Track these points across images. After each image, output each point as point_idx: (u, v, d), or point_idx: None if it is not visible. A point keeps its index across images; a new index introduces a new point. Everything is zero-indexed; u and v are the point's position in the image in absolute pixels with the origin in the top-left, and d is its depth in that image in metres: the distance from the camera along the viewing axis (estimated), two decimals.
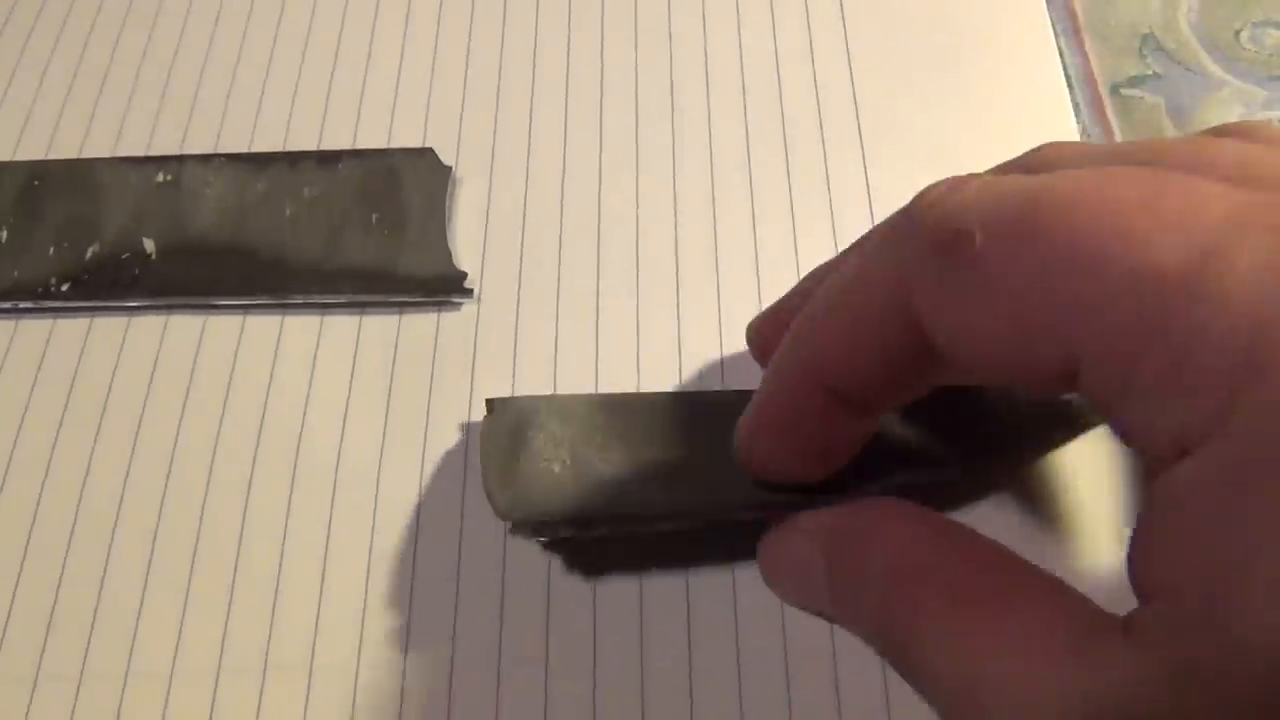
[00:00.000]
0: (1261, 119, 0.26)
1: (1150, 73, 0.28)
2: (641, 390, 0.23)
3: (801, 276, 0.24)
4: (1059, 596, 0.14)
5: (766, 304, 0.23)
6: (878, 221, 0.25)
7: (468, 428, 0.23)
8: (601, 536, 0.20)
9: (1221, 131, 0.15)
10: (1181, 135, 0.16)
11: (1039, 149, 0.17)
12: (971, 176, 0.15)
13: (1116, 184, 0.13)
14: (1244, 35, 0.28)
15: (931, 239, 0.14)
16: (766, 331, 0.21)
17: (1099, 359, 0.13)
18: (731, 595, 0.21)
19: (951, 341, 0.14)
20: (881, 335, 0.15)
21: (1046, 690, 0.12)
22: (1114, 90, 0.27)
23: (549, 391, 0.23)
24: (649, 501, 0.19)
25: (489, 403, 0.21)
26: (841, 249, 0.24)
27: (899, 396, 0.17)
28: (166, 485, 0.22)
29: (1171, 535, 0.12)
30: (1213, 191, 0.12)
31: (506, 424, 0.21)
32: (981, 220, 0.13)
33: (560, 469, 0.20)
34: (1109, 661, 0.12)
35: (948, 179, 0.15)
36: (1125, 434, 0.13)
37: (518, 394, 0.22)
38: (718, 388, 0.23)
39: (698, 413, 0.21)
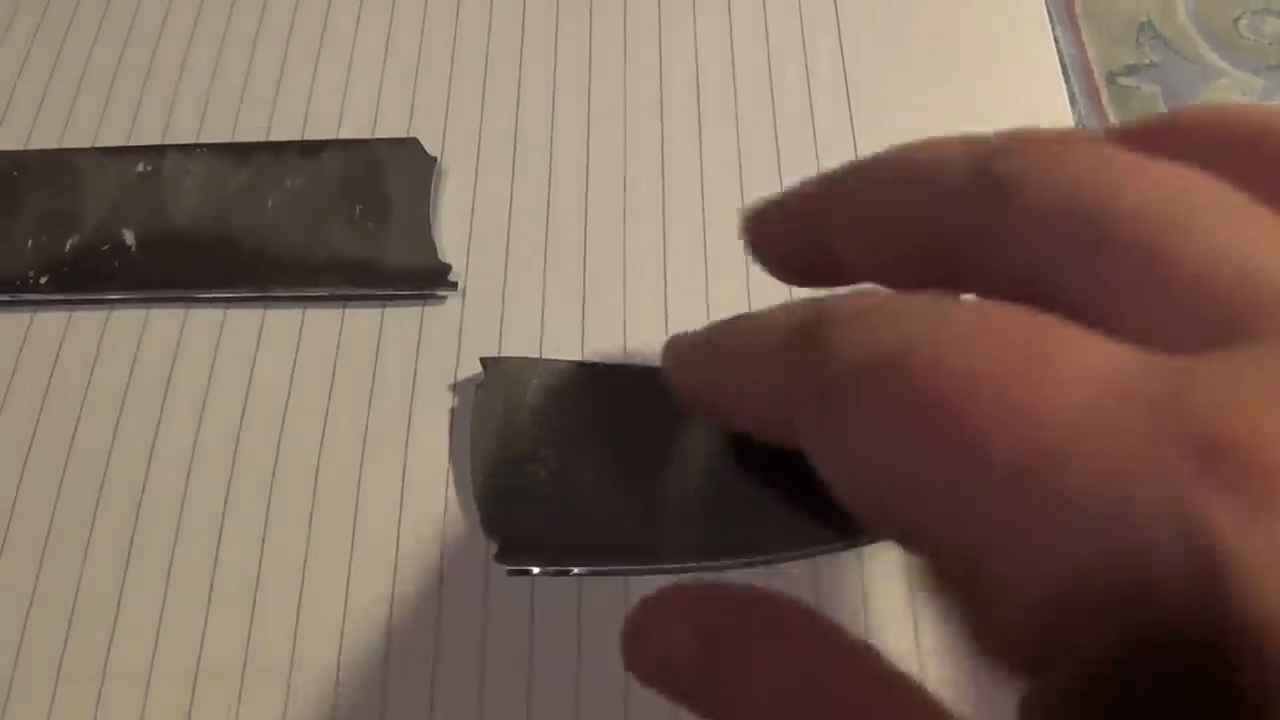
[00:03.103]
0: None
1: (1147, 61, 0.27)
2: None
3: None
4: None
5: (756, 294, 0.23)
6: None
7: (455, 388, 0.23)
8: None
9: (1171, 123, 0.13)
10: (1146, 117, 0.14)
11: (1015, 136, 0.14)
12: (875, 305, 0.13)
13: (987, 341, 0.11)
14: (1243, 24, 0.28)
15: (815, 381, 0.13)
16: (768, 226, 0.18)
17: (938, 552, 0.12)
18: None
19: (824, 475, 0.13)
20: (773, 431, 0.15)
21: None
22: (1110, 79, 0.27)
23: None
24: (629, 547, 0.20)
25: (483, 361, 0.22)
26: None
27: None
28: (145, 481, 0.22)
29: None
30: (1083, 366, 0.11)
31: (498, 400, 0.22)
32: (855, 375, 0.12)
33: (546, 475, 0.21)
34: None
35: (863, 297, 0.13)
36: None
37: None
38: None
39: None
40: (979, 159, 0.13)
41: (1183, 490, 0.09)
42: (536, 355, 0.23)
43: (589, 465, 0.21)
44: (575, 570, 0.20)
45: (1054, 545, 0.10)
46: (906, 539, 0.12)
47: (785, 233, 0.17)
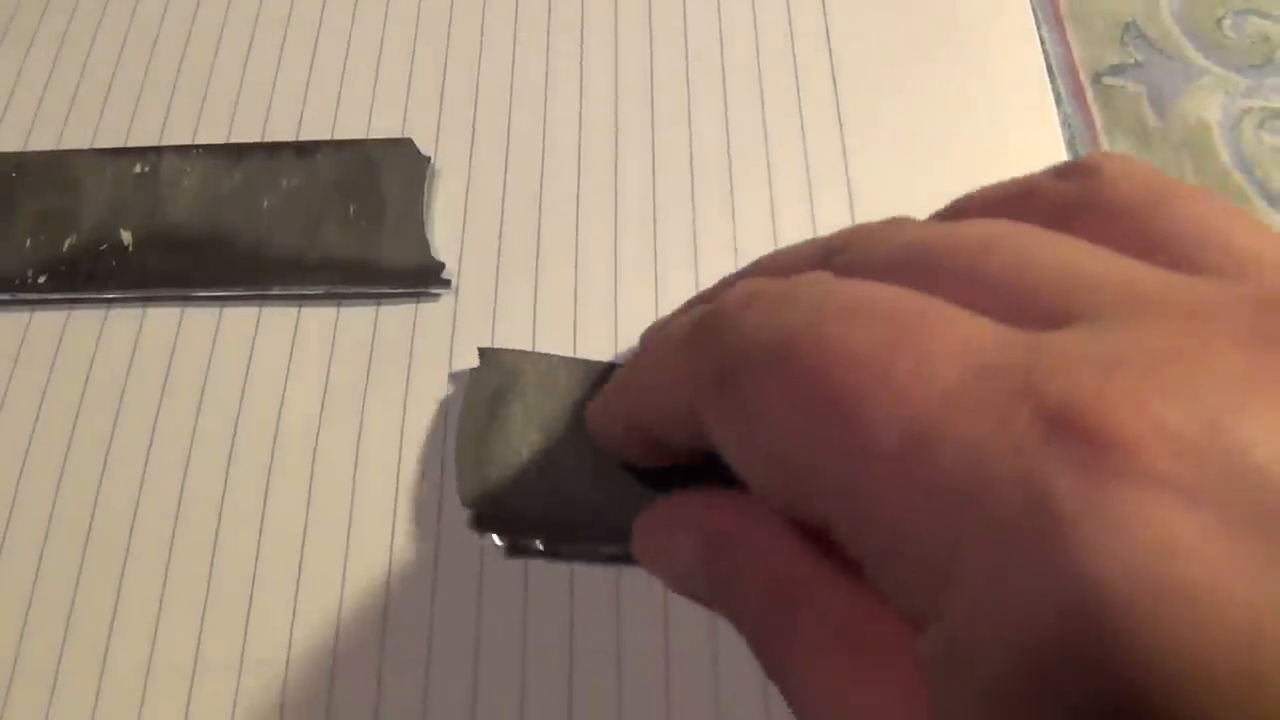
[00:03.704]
0: (1243, 106, 0.26)
1: (1132, 61, 0.27)
2: None
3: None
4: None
5: None
6: (857, 211, 0.25)
7: (451, 378, 0.23)
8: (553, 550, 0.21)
9: (1063, 173, 0.15)
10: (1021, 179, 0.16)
11: (850, 232, 0.17)
12: (763, 291, 0.14)
13: (866, 325, 0.12)
14: (1226, 23, 0.28)
15: (713, 365, 0.14)
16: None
17: (834, 527, 0.12)
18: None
19: (729, 461, 0.14)
20: (683, 427, 0.16)
21: None
22: (1096, 79, 0.27)
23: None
24: (606, 524, 0.20)
25: (480, 351, 0.22)
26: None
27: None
28: (143, 477, 0.22)
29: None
30: (950, 346, 0.12)
31: (489, 386, 0.22)
32: (748, 358, 0.13)
33: (529, 454, 0.21)
34: None
35: (751, 284, 0.14)
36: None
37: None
38: None
39: None
40: (825, 252, 0.16)
41: (1030, 458, 0.10)
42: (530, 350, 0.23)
43: (570, 453, 0.21)
44: (538, 544, 0.21)
45: (933, 518, 0.11)
46: (797, 515, 0.13)
47: None
